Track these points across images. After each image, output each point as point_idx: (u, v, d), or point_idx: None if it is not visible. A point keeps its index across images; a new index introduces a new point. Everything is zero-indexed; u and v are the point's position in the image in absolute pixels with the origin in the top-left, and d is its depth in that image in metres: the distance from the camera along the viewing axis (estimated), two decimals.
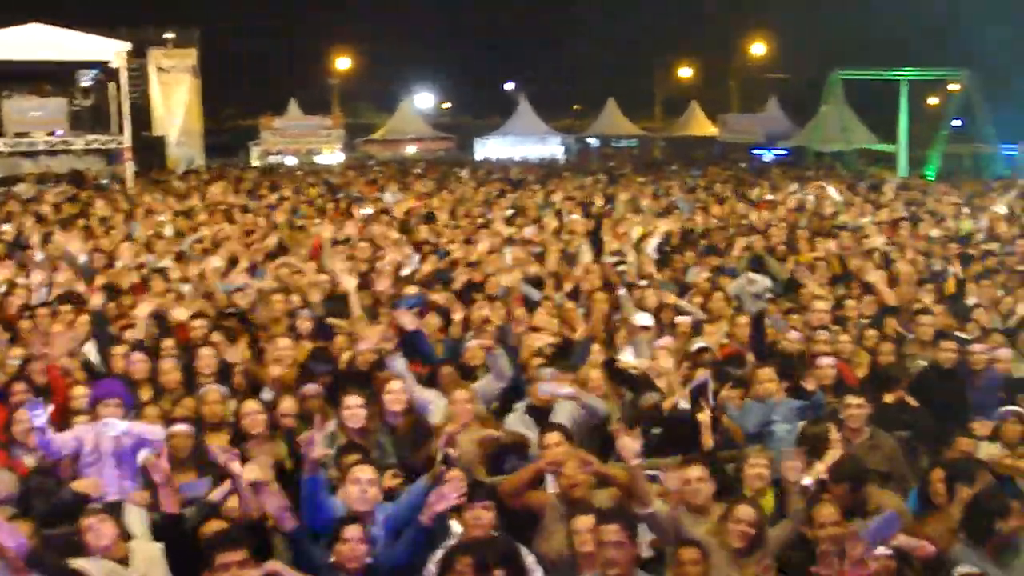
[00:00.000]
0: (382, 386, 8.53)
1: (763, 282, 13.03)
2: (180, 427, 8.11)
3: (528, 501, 7.22)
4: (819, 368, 9.43)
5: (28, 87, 36.79)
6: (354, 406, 8.13)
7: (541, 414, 8.67)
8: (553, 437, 7.66)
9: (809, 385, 9.22)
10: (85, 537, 6.61)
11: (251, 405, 8.28)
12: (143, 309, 10.70)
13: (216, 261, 13.78)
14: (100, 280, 12.87)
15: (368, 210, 20.86)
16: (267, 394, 9.04)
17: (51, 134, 35.27)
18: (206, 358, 9.55)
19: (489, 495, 6.67)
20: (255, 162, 51.29)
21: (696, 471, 7.12)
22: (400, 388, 8.46)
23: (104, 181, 32.51)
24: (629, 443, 6.74)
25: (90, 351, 10.51)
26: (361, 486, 6.73)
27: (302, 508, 6.76)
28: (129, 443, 7.77)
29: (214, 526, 6.64)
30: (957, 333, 11.17)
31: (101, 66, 35.97)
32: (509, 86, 78.76)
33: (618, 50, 76.58)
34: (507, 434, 8.41)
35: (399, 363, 9.05)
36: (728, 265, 14.70)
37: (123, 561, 6.62)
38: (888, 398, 9.36)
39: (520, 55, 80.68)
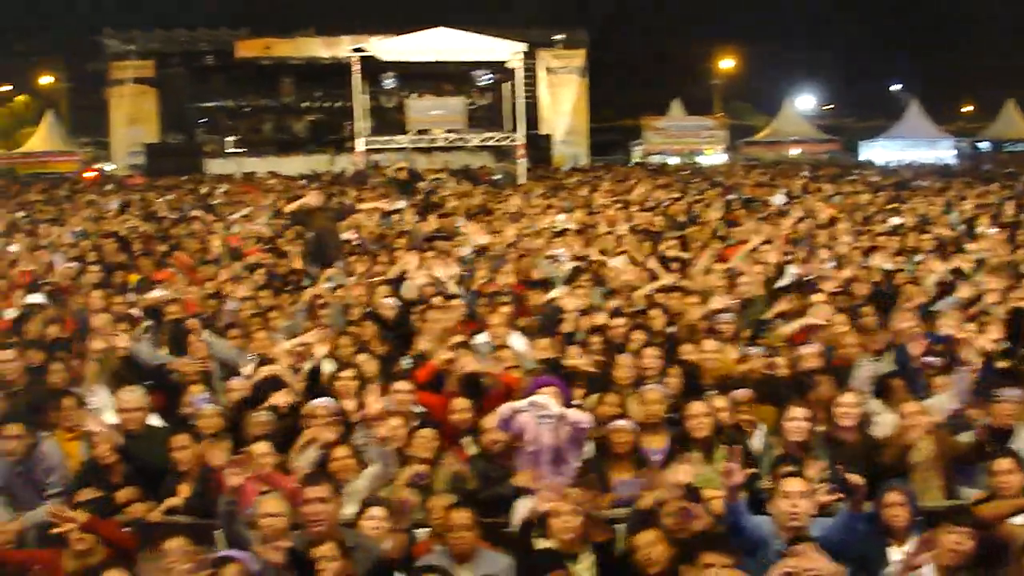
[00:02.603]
0: (831, 398, 8.12)
1: None
2: (623, 423, 8.02)
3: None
4: None
5: (430, 87, 38.59)
6: (800, 417, 7.77)
7: (999, 436, 8.00)
8: (1005, 463, 7.03)
9: None
10: (552, 522, 6.65)
11: (697, 407, 8.01)
12: (571, 303, 10.77)
13: (619, 261, 13.79)
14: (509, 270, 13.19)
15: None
16: None
17: (450, 131, 36.73)
18: (650, 357, 9.41)
19: (971, 521, 6.12)
20: (636, 161, 51.56)
21: None
22: (853, 402, 7.99)
23: (498, 177, 33.53)
24: None
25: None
26: (792, 500, 6.40)
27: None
28: (566, 436, 7.72)
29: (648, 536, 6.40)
30: None
31: (498, 67, 37.16)
32: (895, 87, 75.64)
33: (1018, 46, 71.74)
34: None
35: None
36: None
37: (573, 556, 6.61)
38: None
39: (907, 53, 77.31)
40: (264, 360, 9.74)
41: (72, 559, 6.69)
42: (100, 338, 10.14)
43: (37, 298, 12.61)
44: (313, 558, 6.12)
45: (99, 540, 6.73)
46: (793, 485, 6.50)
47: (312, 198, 16.00)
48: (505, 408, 7.81)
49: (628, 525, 6.92)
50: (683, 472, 6.69)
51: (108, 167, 49.43)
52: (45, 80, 63.22)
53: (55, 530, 6.70)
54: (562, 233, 16.29)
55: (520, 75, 35.78)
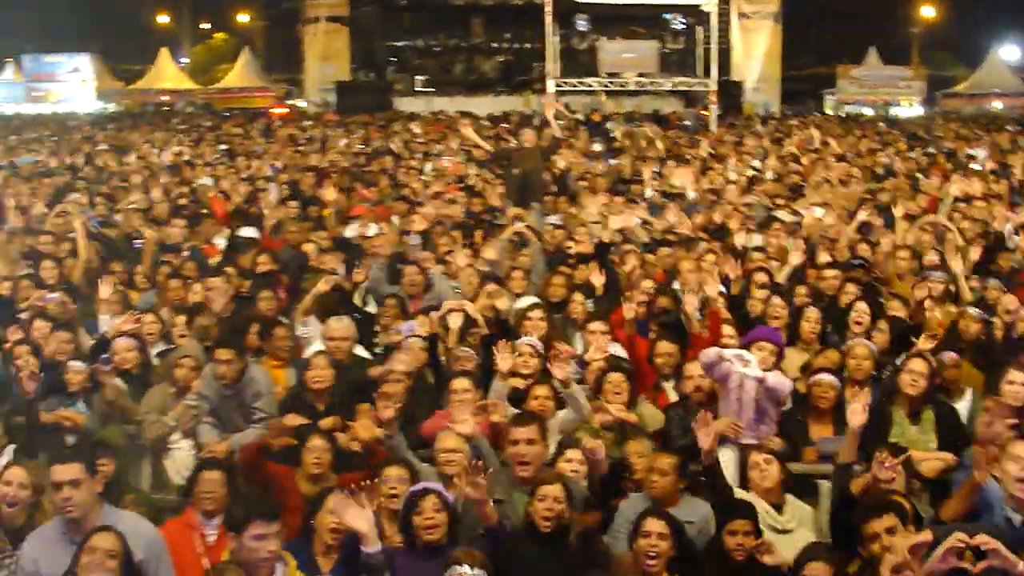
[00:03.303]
0: None
1: None
2: (826, 377, 7.80)
3: None
4: None
5: (621, 29, 38.15)
6: (1020, 382, 7.31)
7: None
8: None
9: None
10: (750, 473, 6.63)
11: (917, 364, 7.62)
12: (795, 257, 10.54)
13: (820, 211, 13.41)
14: (701, 218, 12.94)
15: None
16: None
17: (641, 75, 36.21)
18: (860, 312, 9.11)
19: None
20: (829, 111, 50.15)
21: None
22: None
23: (688, 122, 33.01)
24: None
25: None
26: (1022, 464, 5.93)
27: None
28: (766, 394, 7.51)
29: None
30: None
31: (692, 10, 36.54)
32: None
33: None
34: None
35: None
36: None
37: (777, 507, 6.52)
38: None
39: None
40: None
41: (305, 481, 6.86)
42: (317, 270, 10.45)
43: (251, 232, 12.90)
44: (540, 495, 6.11)
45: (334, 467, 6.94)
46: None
47: (527, 137, 16.03)
48: (712, 352, 7.65)
49: (833, 482, 6.74)
50: (858, 415, 6.56)
51: (300, 103, 50.54)
52: (242, 18, 64.93)
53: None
54: (757, 181, 15.92)
55: (715, 19, 35.05)
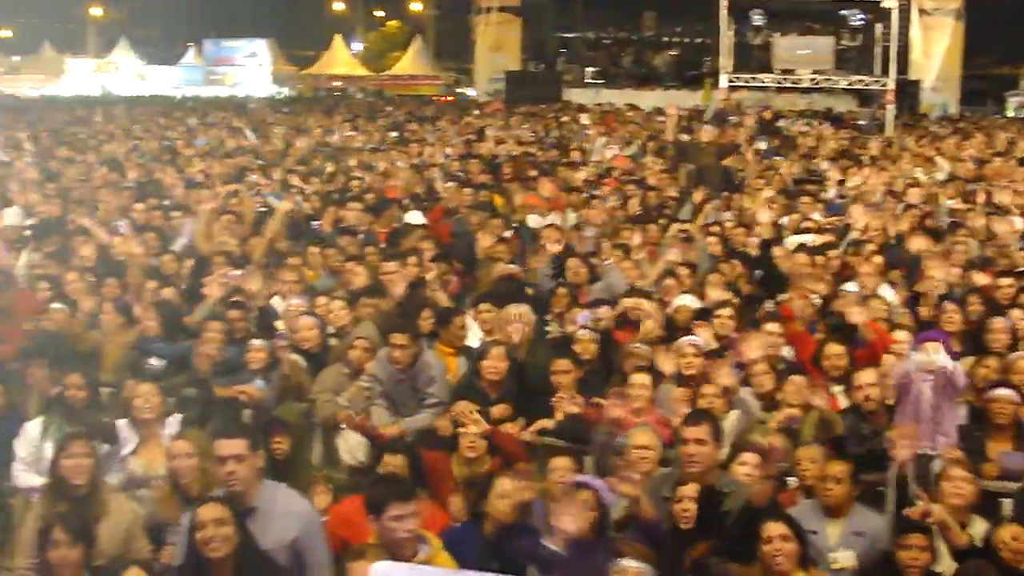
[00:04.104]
0: None
1: None
2: (1005, 391, 7.45)
3: None
4: None
5: (797, 25, 37.46)
6: None
7: None
8: None
9: None
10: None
11: None
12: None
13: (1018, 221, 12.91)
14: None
15: None
16: None
17: (816, 72, 35.39)
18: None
19: None
20: (1010, 114, 48.33)
21: None
22: None
23: (863, 122, 32.23)
24: None
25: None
26: None
27: None
28: (948, 388, 7.23)
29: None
30: None
31: (871, 6, 35.57)
32: None
33: None
34: None
35: None
36: None
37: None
38: None
39: None
40: (633, 291, 9.75)
41: (460, 465, 6.88)
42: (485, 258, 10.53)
43: (417, 217, 13.00)
44: (677, 496, 6.05)
45: (490, 450, 6.94)
46: None
47: (705, 133, 15.92)
48: (900, 371, 7.41)
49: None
50: None
51: (470, 92, 51.02)
52: (415, 7, 65.83)
53: (459, 429, 7.03)
54: (945, 184, 15.43)
55: (895, 16, 34.02)
